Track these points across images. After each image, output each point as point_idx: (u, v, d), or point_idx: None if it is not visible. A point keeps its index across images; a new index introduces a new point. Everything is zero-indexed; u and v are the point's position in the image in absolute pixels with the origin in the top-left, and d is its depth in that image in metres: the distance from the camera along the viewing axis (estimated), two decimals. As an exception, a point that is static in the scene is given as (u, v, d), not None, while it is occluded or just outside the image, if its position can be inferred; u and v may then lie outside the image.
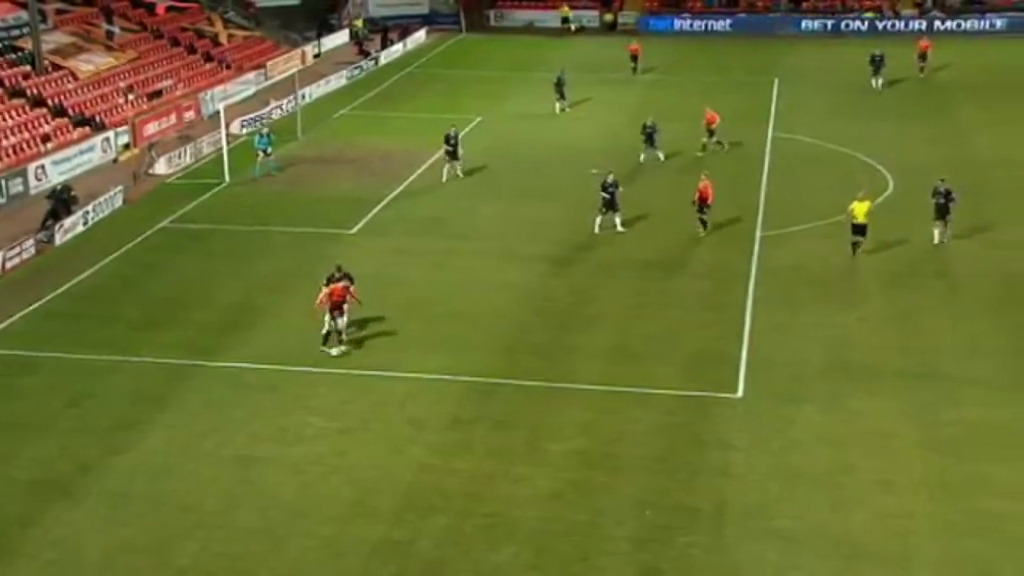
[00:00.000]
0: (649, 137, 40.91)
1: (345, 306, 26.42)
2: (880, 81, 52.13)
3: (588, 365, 25.91)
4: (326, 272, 27.86)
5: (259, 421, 23.55)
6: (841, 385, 24.65)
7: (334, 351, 26.28)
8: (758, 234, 33.75)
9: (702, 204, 33.42)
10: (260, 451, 22.42)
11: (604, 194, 33.91)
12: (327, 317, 26.35)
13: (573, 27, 70.21)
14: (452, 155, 39.95)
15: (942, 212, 31.82)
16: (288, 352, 26.53)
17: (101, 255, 33.29)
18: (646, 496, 20.73)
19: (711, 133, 42.08)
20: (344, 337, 26.55)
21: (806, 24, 69.01)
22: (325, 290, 26.46)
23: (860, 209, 30.92)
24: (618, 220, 34.14)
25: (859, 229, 31.06)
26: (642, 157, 40.79)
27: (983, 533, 19.44)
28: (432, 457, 22.12)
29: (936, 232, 31.85)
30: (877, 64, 52.17)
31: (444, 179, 39.70)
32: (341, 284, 26.42)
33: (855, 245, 31.17)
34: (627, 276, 31.19)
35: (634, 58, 55.79)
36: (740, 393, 24.46)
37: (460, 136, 40.51)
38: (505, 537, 19.56)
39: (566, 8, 70.93)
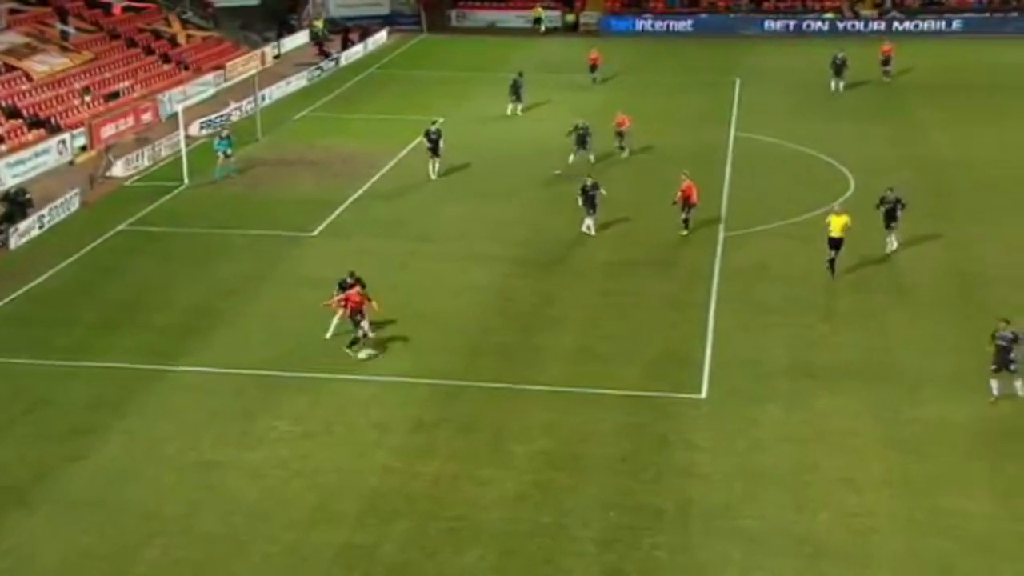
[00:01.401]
0: (581, 139, 40.68)
1: (364, 310, 26.24)
2: (841, 84, 52.47)
3: (552, 366, 25.96)
4: (287, 275, 27.83)
5: (221, 425, 23.41)
6: (804, 385, 24.85)
7: (361, 354, 26.09)
8: (721, 234, 33.94)
9: (686, 204, 33.52)
10: (222, 456, 22.29)
11: (582, 196, 33.96)
12: (352, 323, 26.14)
13: (544, 28, 70.24)
14: (433, 151, 39.84)
15: (890, 220, 31.56)
16: (250, 355, 26.39)
17: (58, 259, 32.96)
18: (611, 497, 20.81)
19: (620, 135, 41.90)
20: (371, 337, 26.32)
21: (768, 24, 69.47)
22: (338, 296, 26.37)
23: (837, 223, 30.01)
24: (592, 223, 34.20)
25: (835, 243, 30.05)
26: (571, 159, 40.63)
27: (944, 531, 19.67)
28: (396, 460, 22.08)
29: (891, 239, 31.77)
30: (839, 67, 52.49)
31: (433, 176, 39.66)
32: (356, 290, 26.24)
33: (831, 262, 30.14)
34: (590, 277, 31.28)
35: (593, 67, 54.53)
36: (704, 393, 24.60)
37: (442, 132, 40.24)
38: (470, 540, 19.57)
39: (539, 9, 71.02)
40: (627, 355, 26.47)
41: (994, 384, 23.62)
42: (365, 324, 26.20)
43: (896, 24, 68.25)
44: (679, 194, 33.59)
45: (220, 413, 23.94)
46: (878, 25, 68.25)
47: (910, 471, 21.51)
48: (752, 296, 29.71)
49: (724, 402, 24.18)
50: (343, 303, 26.23)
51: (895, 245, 31.80)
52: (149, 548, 19.43)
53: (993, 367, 23.56)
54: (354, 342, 26.24)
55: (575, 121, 41.42)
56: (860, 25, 68.80)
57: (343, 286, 26.85)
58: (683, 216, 33.72)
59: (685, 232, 33.71)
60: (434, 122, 40.91)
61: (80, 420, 23.68)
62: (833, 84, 52.44)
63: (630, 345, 26.98)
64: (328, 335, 26.75)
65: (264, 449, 22.51)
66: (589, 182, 34.18)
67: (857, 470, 21.55)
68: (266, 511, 20.42)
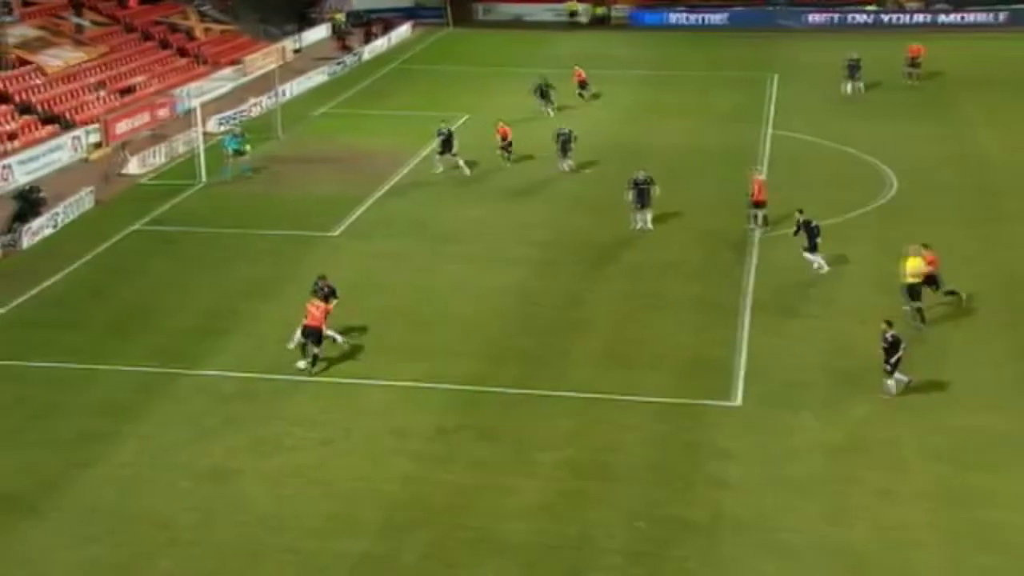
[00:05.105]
0: (563, 145, 40.28)
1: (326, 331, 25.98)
2: (851, 86, 51.54)
3: (578, 371, 25.95)
4: (306, 276, 27.94)
5: (236, 432, 23.52)
6: (840, 392, 24.72)
7: (300, 364, 25.94)
8: (755, 235, 33.82)
9: (754, 202, 33.66)
10: (237, 463, 22.40)
11: (634, 190, 34.02)
12: (303, 338, 25.92)
13: (584, 19, 70.31)
14: (447, 150, 40.15)
15: (812, 241, 30.71)
16: (266, 360, 26.48)
17: (70, 259, 33.21)
18: (639, 508, 20.77)
19: (504, 145, 41.23)
20: (318, 353, 25.98)
21: (807, 17, 69.25)
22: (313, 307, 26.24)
23: (913, 265, 27.46)
24: (648, 217, 34.35)
25: (915, 292, 27.44)
26: (562, 166, 40.43)
27: (987, 545, 19.51)
28: (416, 468, 22.13)
29: (815, 258, 30.75)
30: (853, 69, 51.86)
31: (468, 172, 40.19)
32: (319, 309, 26.03)
33: (917, 312, 27.48)
34: (617, 278, 31.28)
35: (582, 85, 51.80)
36: (736, 400, 24.53)
37: (453, 132, 40.69)
38: (492, 551, 19.58)
39: (574, 3, 71.10)
40: (656, 360, 26.44)
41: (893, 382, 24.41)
42: (318, 349, 25.78)
43: (941, 16, 67.97)
44: (751, 191, 33.71)
45: (235, 419, 24.06)
46: (923, 18, 68.00)
47: (951, 482, 21.37)
48: (787, 299, 29.62)
49: (757, 409, 24.11)
50: (307, 317, 25.87)
51: (817, 265, 30.82)
52: (162, 558, 19.55)
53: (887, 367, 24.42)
54: (313, 359, 25.87)
55: (558, 127, 41.34)
56: (905, 18, 68.54)
57: (314, 292, 26.90)
58: (751, 213, 33.75)
59: (753, 227, 33.72)
60: (443, 121, 41.16)
61: (91, 425, 23.84)
62: (849, 87, 51.72)
63: (659, 349, 26.94)
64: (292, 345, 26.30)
65: (280, 456, 22.61)
66: (642, 176, 34.19)
67: (895, 481, 21.43)
68: (282, 520, 20.50)
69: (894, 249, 31.10)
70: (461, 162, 40.39)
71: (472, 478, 21.76)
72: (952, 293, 28.45)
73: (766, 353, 26.57)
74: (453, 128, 41.13)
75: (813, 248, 30.63)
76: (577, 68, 52.20)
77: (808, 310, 28.94)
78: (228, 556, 19.60)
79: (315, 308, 26.00)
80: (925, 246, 28.26)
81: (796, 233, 30.94)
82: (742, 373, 25.65)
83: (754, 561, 19.25)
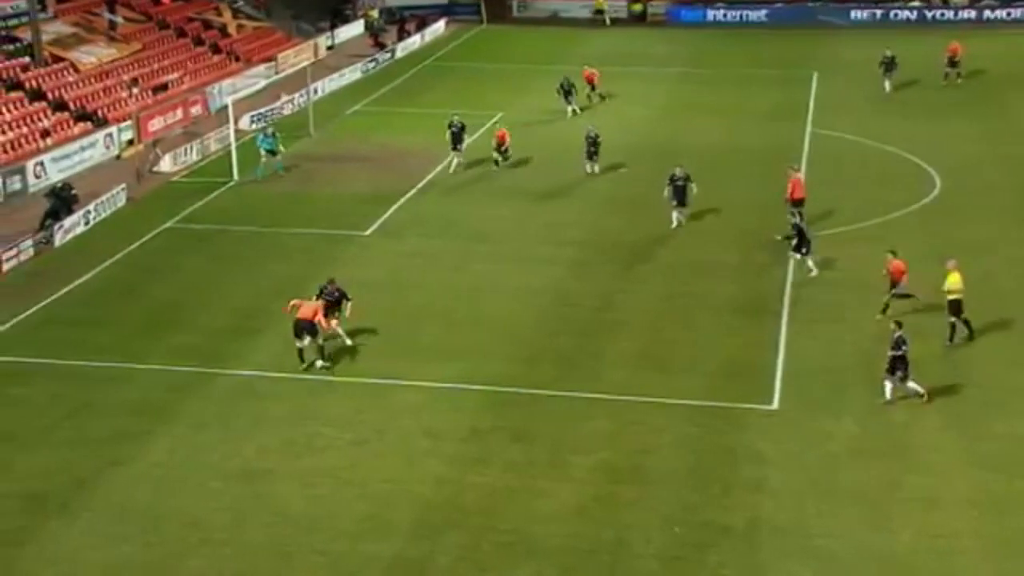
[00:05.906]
0: (591, 146, 39.87)
1: (325, 325, 26.03)
2: (888, 83, 51.34)
3: (613, 373, 25.91)
4: (338, 276, 28.00)
5: (268, 432, 23.65)
6: (880, 396, 24.52)
7: (318, 363, 26.15)
8: (795, 236, 33.63)
9: (793, 201, 33.41)
10: (268, 463, 22.52)
11: (671, 187, 34.04)
12: (296, 336, 26.02)
13: (608, 20, 70.14)
14: (454, 146, 40.41)
15: (801, 245, 30.60)
16: (298, 359, 26.57)
17: (102, 257, 33.50)
18: (675, 512, 20.73)
19: (501, 149, 40.99)
20: (316, 358, 26.17)
21: (850, 14, 68.78)
22: (296, 303, 26.28)
23: (953, 281, 26.71)
24: (684, 214, 34.38)
25: (957, 307, 26.74)
26: (588, 168, 40.16)
27: (1034, 554, 19.36)
28: (449, 470, 22.17)
29: (809, 263, 30.86)
30: (887, 66, 51.42)
31: (452, 170, 40.35)
32: (311, 305, 26.10)
33: (954, 327, 26.77)
34: (653, 279, 31.20)
35: (592, 86, 51.10)
36: (775, 404, 24.41)
37: (464, 126, 40.92)
38: (526, 555, 19.58)
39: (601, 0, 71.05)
40: (692, 362, 26.37)
41: (913, 385, 24.16)
42: (306, 340, 25.89)
43: (988, 12, 67.37)
44: (788, 190, 33.50)
45: (267, 419, 24.18)
46: (968, 14, 67.41)
47: (997, 490, 21.18)
48: (826, 301, 29.43)
49: (796, 413, 23.99)
50: (297, 311, 25.94)
51: (815, 271, 30.82)
52: (193, 558, 19.68)
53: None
54: (316, 359, 26.12)
55: (586, 127, 41.13)
56: (949, 14, 67.97)
57: (321, 293, 26.99)
58: (790, 210, 33.46)
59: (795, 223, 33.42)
60: (455, 114, 41.39)
61: (123, 424, 24.04)
62: (884, 84, 51.32)
63: (696, 351, 26.87)
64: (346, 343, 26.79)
65: (311, 457, 22.72)
66: (679, 172, 34.13)
67: (939, 487, 21.27)
68: (313, 521, 20.59)
69: (937, 250, 30.89)
70: (455, 159, 40.42)
71: (506, 480, 21.78)
72: (905, 296, 27.93)
73: (804, 356, 26.44)
74: (466, 122, 41.14)
75: (797, 248, 30.57)
76: (587, 68, 51.61)
77: (847, 312, 28.74)
78: (259, 556, 19.71)
79: (306, 306, 26.01)
80: (892, 252, 28.11)
81: (794, 230, 30.91)
82: (780, 376, 25.55)
83: (792, 567, 19.16)
